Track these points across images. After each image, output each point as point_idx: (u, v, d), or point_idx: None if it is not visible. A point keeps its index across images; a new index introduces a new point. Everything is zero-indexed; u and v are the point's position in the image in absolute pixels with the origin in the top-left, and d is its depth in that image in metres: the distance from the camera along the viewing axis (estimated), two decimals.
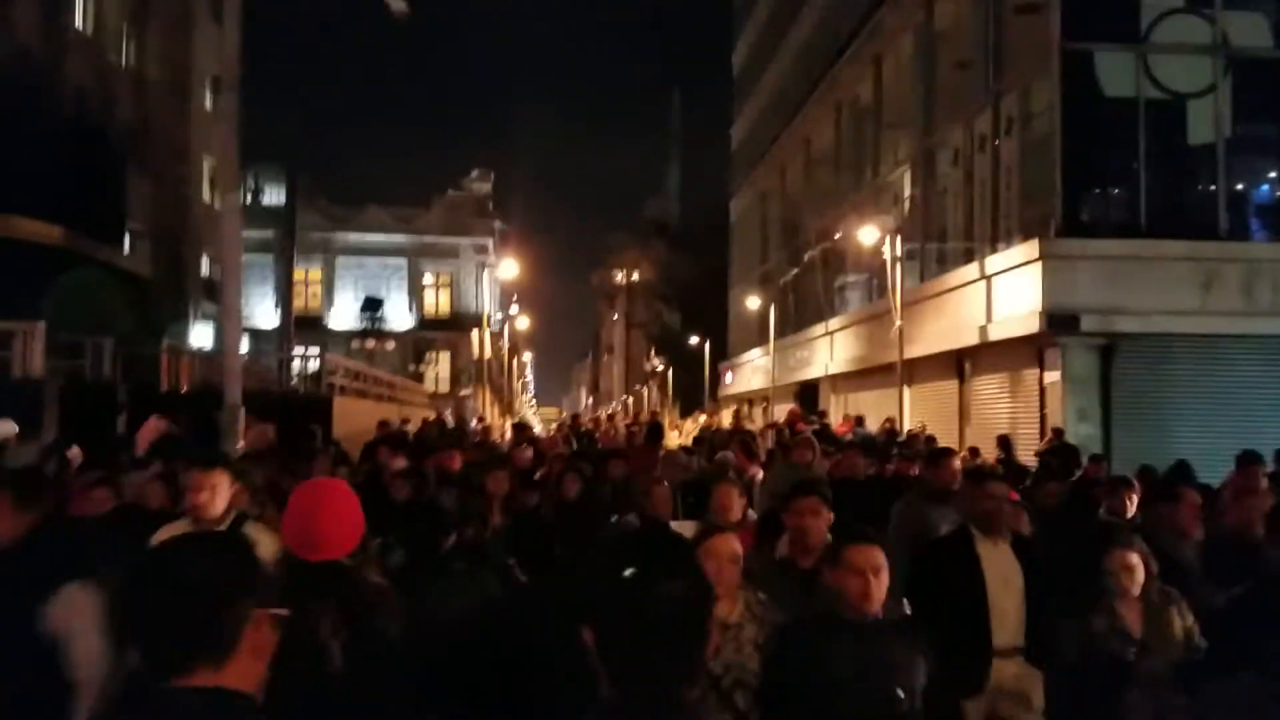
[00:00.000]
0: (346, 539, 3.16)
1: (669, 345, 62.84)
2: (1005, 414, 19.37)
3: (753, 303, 37.89)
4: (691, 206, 64.57)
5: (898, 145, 25.96)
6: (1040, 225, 17.61)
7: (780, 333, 33.40)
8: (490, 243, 51.96)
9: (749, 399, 42.00)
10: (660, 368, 64.24)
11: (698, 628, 1.73)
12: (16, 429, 9.69)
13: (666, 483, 6.42)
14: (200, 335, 32.49)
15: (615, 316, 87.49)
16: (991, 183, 19.93)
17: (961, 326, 19.88)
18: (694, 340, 50.22)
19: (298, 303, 48.32)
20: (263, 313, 45.67)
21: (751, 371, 41.29)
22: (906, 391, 23.66)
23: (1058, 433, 15.63)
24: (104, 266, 23.13)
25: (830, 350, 29.87)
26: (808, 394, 32.81)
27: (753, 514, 6.44)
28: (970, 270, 19.73)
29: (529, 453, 8.71)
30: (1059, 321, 16.61)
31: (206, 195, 34.26)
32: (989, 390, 20.19)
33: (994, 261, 18.76)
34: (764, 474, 10.01)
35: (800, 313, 33.89)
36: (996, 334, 18.43)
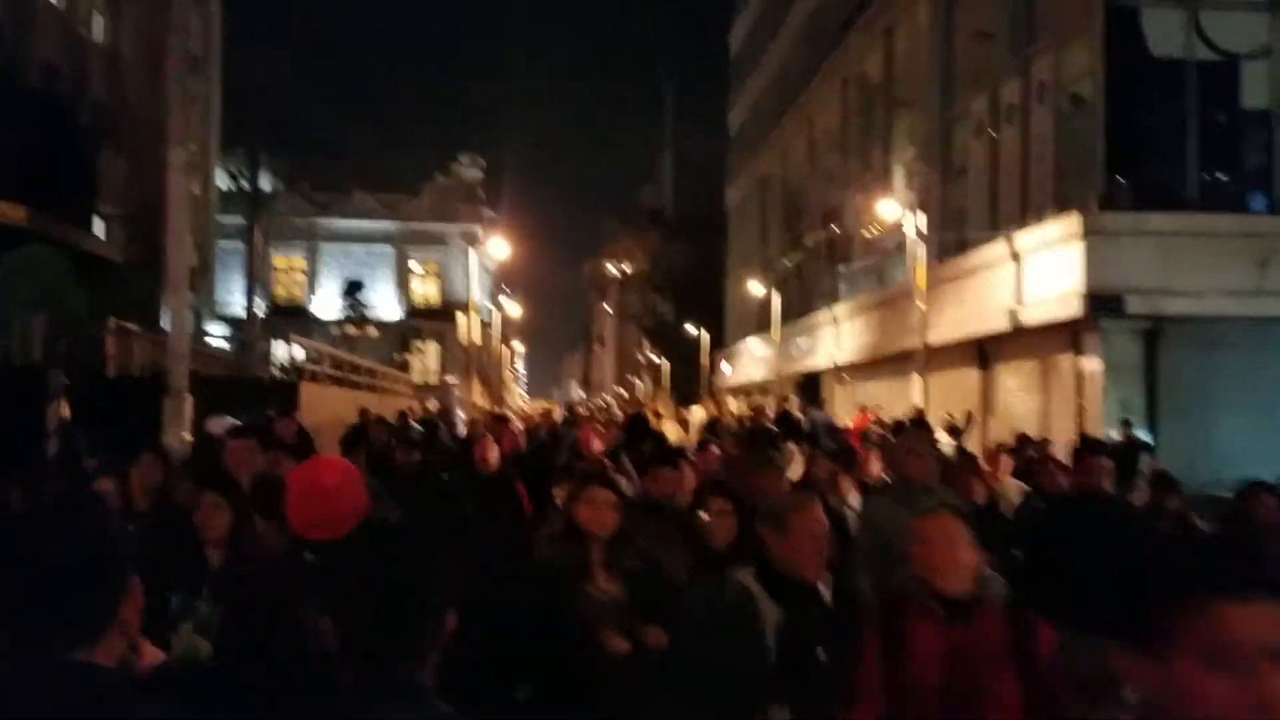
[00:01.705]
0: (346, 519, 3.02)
1: (663, 336, 61.41)
2: (1035, 406, 17.90)
3: (753, 291, 36.34)
4: (686, 194, 62.84)
5: (911, 121, 24.44)
6: (1079, 199, 16.11)
7: (782, 321, 31.90)
8: (479, 230, 50.32)
9: (747, 390, 40.54)
10: (654, 359, 62.74)
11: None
12: None
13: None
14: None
15: (607, 307, 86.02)
16: (1021, 155, 18.43)
17: (987, 310, 18.40)
18: (690, 330, 48.65)
19: (279, 291, 46.93)
20: (243, 300, 44.08)
21: (750, 362, 39.82)
22: (920, 382, 22.20)
23: (1126, 426, 14.13)
24: (70, 249, 21.83)
25: (836, 339, 28.36)
26: (810, 385, 31.34)
27: None
28: (997, 249, 18.23)
29: (494, 453, 6.94)
30: (1101, 303, 15.15)
31: (186, 179, 32.72)
32: (1016, 380, 18.72)
33: (1026, 239, 17.26)
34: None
35: (803, 300, 32.38)
36: (1029, 318, 16.95)
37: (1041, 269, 16.68)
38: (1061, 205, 16.72)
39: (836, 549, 4.23)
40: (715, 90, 51.02)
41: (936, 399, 20.80)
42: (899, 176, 24.10)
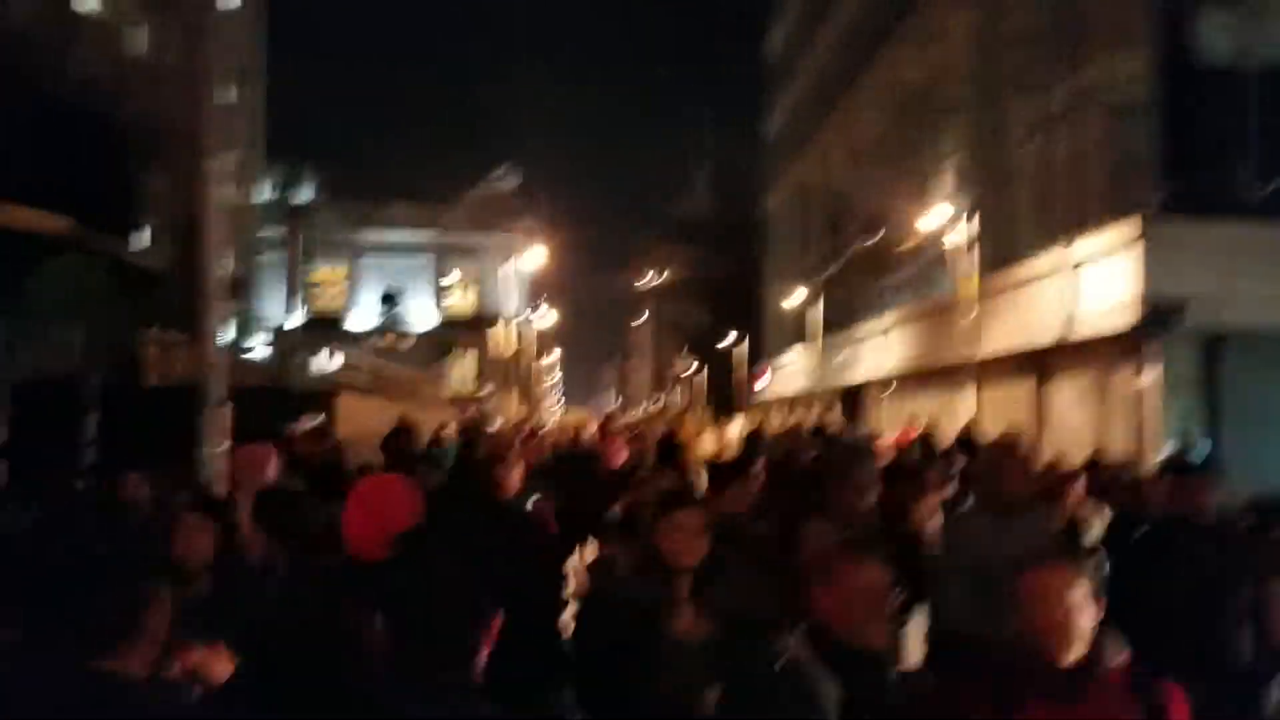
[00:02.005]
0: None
1: (699, 346, 61.01)
2: (1090, 421, 17.37)
3: (792, 301, 35.88)
4: (722, 204, 62.52)
5: (956, 128, 23.95)
6: (1135, 205, 15.60)
7: (823, 331, 31.44)
8: (516, 241, 50.23)
9: (786, 402, 40.06)
10: (690, 370, 62.35)
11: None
12: None
13: None
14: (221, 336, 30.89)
15: (642, 318, 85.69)
16: (1072, 162, 17.93)
17: (1040, 321, 17.91)
18: (729, 340, 48.19)
19: (318, 303, 47.07)
20: (286, 314, 44.26)
21: (789, 374, 39.35)
22: (972, 396, 21.69)
23: (1187, 441, 13.58)
24: (112, 260, 21.97)
25: (881, 350, 27.86)
26: (851, 398, 30.85)
27: None
28: (1052, 258, 17.75)
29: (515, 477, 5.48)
30: (1161, 313, 14.62)
31: (230, 191, 32.98)
32: (1072, 394, 18.18)
33: (1083, 247, 16.77)
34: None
35: (845, 310, 31.88)
36: (1084, 329, 16.45)
37: (1097, 278, 16.19)
38: (1116, 213, 16.22)
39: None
40: (751, 99, 50.78)
41: (988, 413, 20.31)
42: (944, 184, 23.62)
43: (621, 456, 9.19)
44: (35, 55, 21.75)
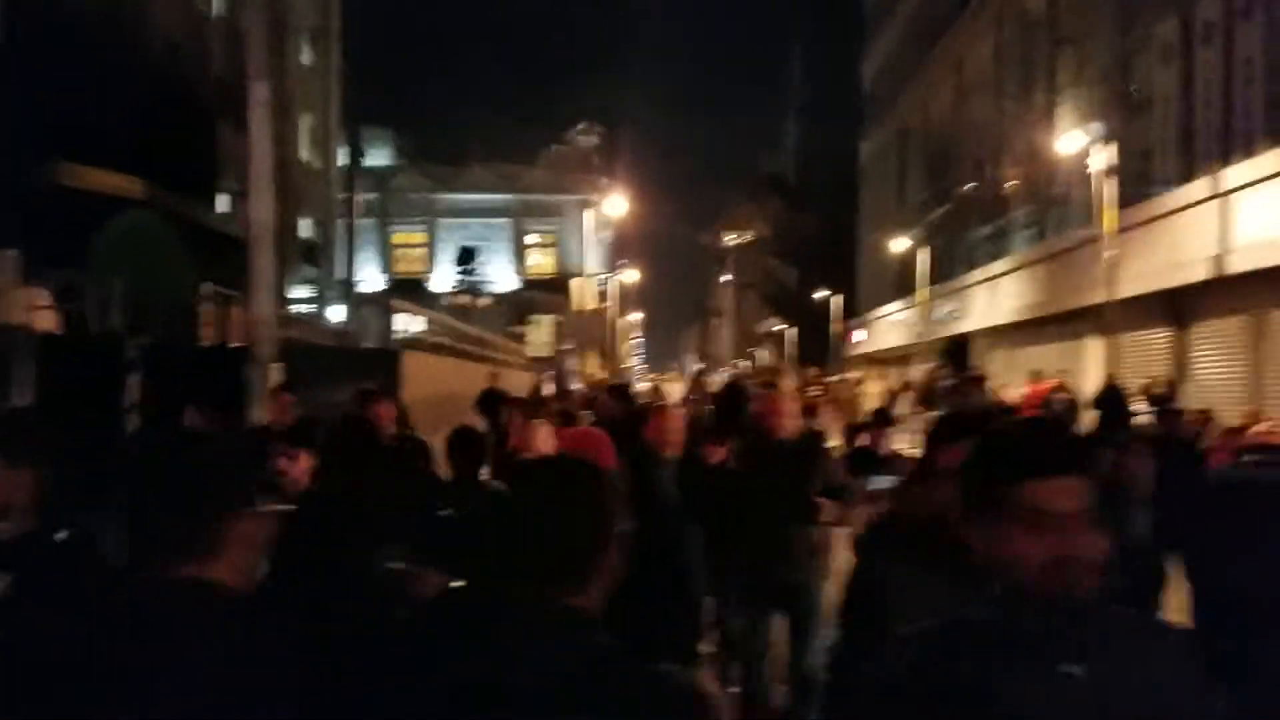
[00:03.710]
0: None
1: (786, 305, 59.25)
2: (1241, 371, 15.46)
3: (891, 251, 33.90)
4: (811, 159, 60.35)
5: (1080, 55, 21.82)
6: None
7: (925, 282, 29.51)
8: (596, 199, 49.01)
9: (883, 359, 38.25)
10: (777, 329, 60.65)
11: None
12: None
13: None
14: (303, 302, 30.25)
15: (726, 277, 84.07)
16: (1223, 81, 15.86)
17: (1182, 258, 15.99)
18: (822, 294, 46.31)
19: (399, 266, 46.52)
20: (368, 278, 43.81)
21: (887, 328, 37.47)
22: (1100, 343, 19.76)
23: None
24: (187, 223, 21.44)
25: (992, 298, 25.91)
26: (957, 351, 28.95)
27: None
28: (1196, 189, 15.78)
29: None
30: None
31: (305, 154, 32.46)
32: (1217, 340, 16.25)
33: (1234, 174, 14.79)
34: None
35: (949, 258, 29.90)
36: (1237, 264, 14.51)
37: (1253, 208, 14.23)
38: (1277, 134, 14.22)
39: None
40: (843, 47, 48.51)
41: (1116, 363, 18.41)
42: (1068, 117, 21.54)
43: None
44: (118, 18, 21.23)
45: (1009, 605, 1.60)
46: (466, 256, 42.75)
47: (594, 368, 38.78)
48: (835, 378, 21.22)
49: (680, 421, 5.14)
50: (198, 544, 1.71)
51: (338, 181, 35.38)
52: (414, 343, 16.94)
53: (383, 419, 5.44)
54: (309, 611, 2.05)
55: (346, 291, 27.98)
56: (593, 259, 45.94)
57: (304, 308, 28.43)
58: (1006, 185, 24.69)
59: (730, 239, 78.59)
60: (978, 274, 27.03)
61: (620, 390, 9.36)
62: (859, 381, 26.54)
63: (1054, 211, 21.97)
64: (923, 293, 29.67)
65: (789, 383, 15.69)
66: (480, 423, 8.65)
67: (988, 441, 1.73)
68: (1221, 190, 15.03)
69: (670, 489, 4.58)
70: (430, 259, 47.01)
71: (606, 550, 1.76)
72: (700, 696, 1.70)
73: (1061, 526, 1.55)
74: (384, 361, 11.97)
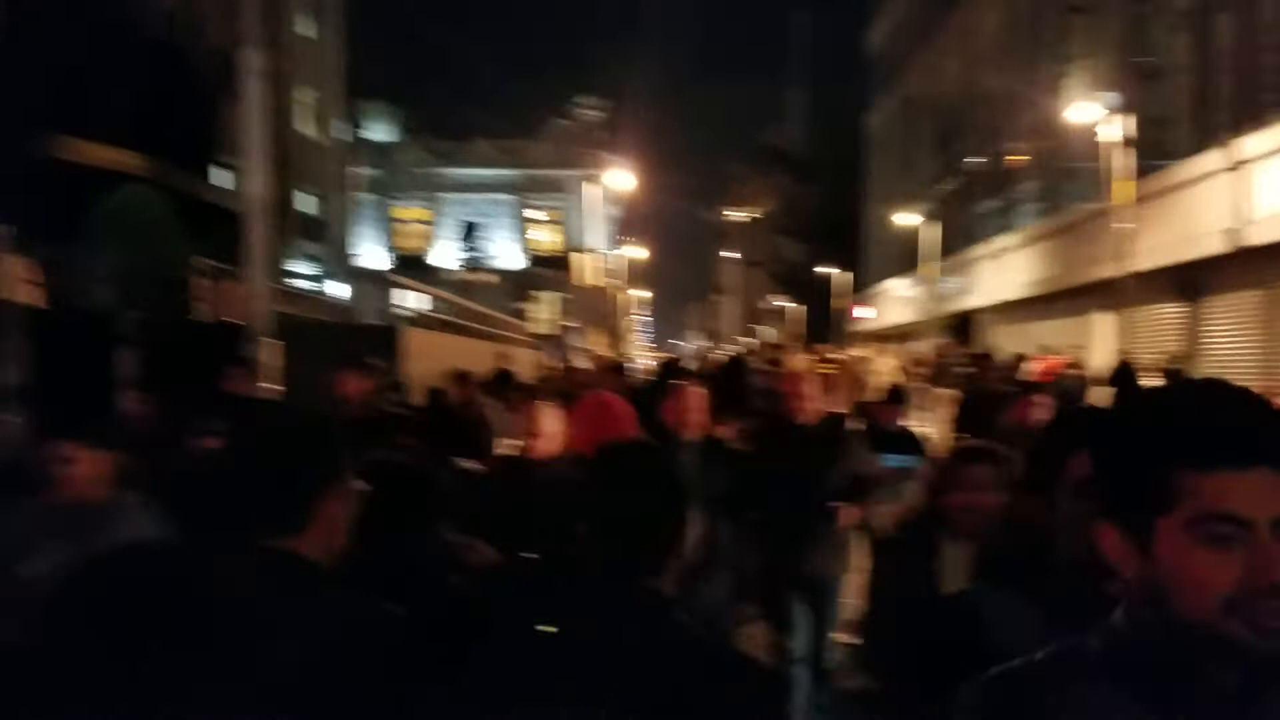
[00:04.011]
0: None
1: (791, 282, 58.83)
2: (1257, 347, 15.17)
3: (898, 225, 33.49)
4: (817, 131, 59.74)
5: (1093, 23, 21.40)
6: None
7: (932, 257, 29.15)
8: (601, 175, 48.53)
9: (888, 335, 37.94)
10: (782, 306, 60.26)
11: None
12: None
13: None
14: (302, 279, 29.92)
15: (731, 254, 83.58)
16: (1240, 48, 15.48)
17: (1197, 231, 15.67)
18: (822, 273, 45.93)
19: (402, 242, 46.16)
20: (369, 253, 43.49)
21: (893, 304, 37.15)
22: (1110, 319, 19.46)
23: None
24: (184, 197, 21.16)
25: (998, 273, 25.58)
26: (962, 328, 28.65)
27: None
28: (1211, 159, 15.44)
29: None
30: None
31: (305, 127, 32.08)
32: (1232, 315, 15.95)
33: (1251, 144, 14.44)
34: None
35: (956, 232, 29.54)
36: (1256, 236, 14.19)
37: (1273, 178, 13.89)
38: None
39: None
40: (850, 16, 48.01)
41: (1127, 338, 18.13)
42: (1079, 86, 21.15)
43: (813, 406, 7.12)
44: None
45: (1170, 648, 1.15)
46: (471, 232, 42.35)
47: (599, 345, 38.55)
48: (846, 354, 20.93)
49: (700, 400, 4.76)
50: (292, 519, 1.75)
51: (338, 156, 35.03)
52: (415, 319, 16.72)
53: (351, 393, 5.23)
54: (388, 584, 2.10)
55: (346, 267, 27.71)
56: (597, 235, 45.58)
57: (305, 284, 28.18)
58: (1016, 157, 24.33)
59: (736, 215, 78.04)
60: (986, 248, 26.70)
61: (618, 368, 8.99)
62: (867, 358, 26.32)
63: (1065, 184, 21.62)
64: (930, 267, 29.33)
65: (803, 359, 15.42)
66: (491, 405, 8.32)
67: (1147, 413, 1.19)
68: (1238, 161, 14.69)
69: (689, 474, 4.27)
70: (433, 235, 46.67)
71: (682, 532, 1.84)
72: (766, 671, 1.77)
73: (1264, 541, 1.08)
74: (383, 338, 11.74)
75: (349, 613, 1.72)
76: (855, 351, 28.95)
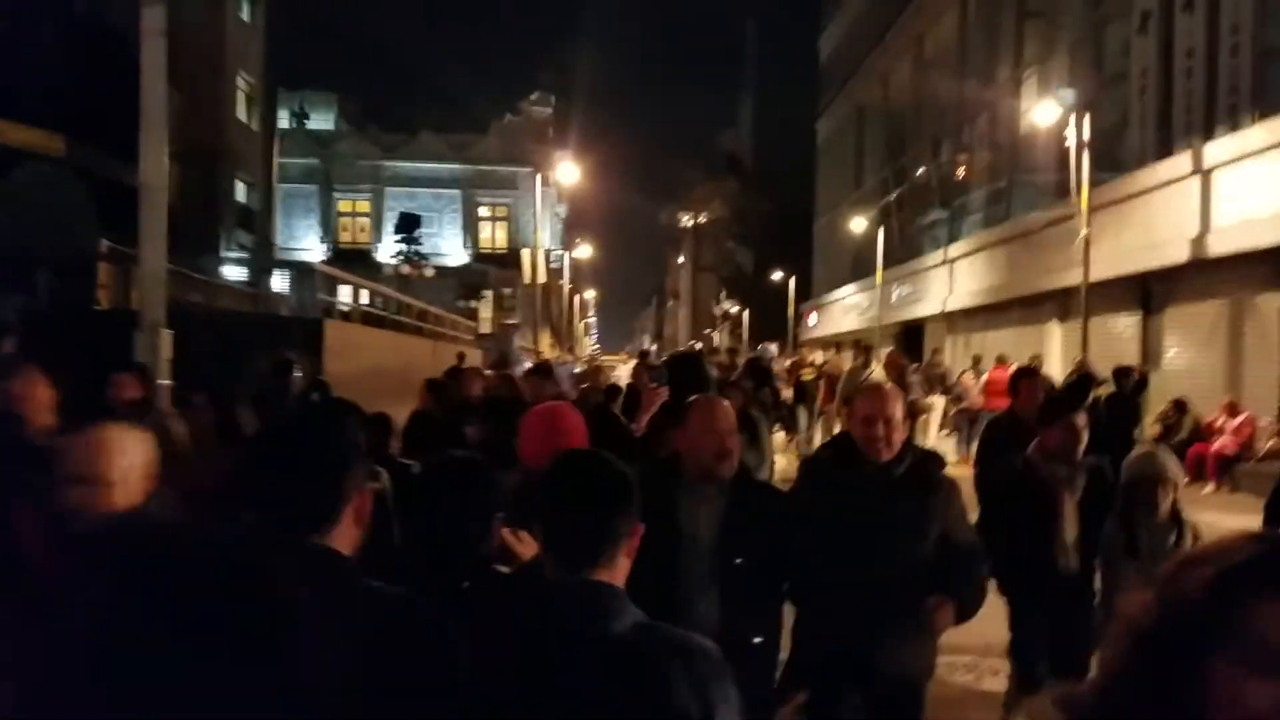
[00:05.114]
0: None
1: (741, 287, 58.50)
2: (1217, 359, 14.76)
3: (848, 232, 33.06)
4: (768, 138, 59.42)
5: (1049, 28, 21.02)
6: None
7: (883, 264, 28.69)
8: (551, 173, 47.69)
9: (835, 343, 37.52)
10: (731, 311, 59.87)
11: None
12: None
13: None
14: (235, 270, 28.64)
15: (682, 258, 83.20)
16: (1206, 51, 15.08)
17: (1157, 240, 15.23)
18: (777, 276, 45.47)
19: (345, 236, 44.92)
20: (309, 246, 42.29)
21: (842, 311, 36.74)
22: (1058, 330, 19.10)
23: None
24: (110, 182, 20.12)
25: (950, 282, 25.15)
26: (912, 335, 28.24)
27: None
28: (1175, 165, 15.02)
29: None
30: None
31: (243, 114, 30.86)
32: (1190, 326, 15.56)
33: (1216, 150, 14.03)
34: None
35: (907, 240, 29.13)
36: (1219, 246, 13.76)
37: (1239, 185, 13.49)
38: (1265, 107, 13.48)
39: None
40: (802, 25, 47.53)
41: (1080, 349, 17.70)
42: (1033, 92, 20.74)
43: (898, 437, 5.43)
44: None
45: None
46: (408, 224, 41.01)
47: (545, 346, 37.65)
48: (822, 357, 20.37)
49: (727, 420, 3.25)
50: (329, 515, 1.77)
51: (278, 145, 33.82)
52: (347, 313, 15.81)
53: (27, 403, 3.83)
54: (451, 574, 2.38)
55: (271, 258, 26.57)
56: (547, 233, 44.70)
57: (240, 276, 27.03)
58: (968, 165, 23.92)
59: (687, 220, 77.75)
60: (936, 256, 26.28)
61: (543, 370, 8.00)
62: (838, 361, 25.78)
63: (1017, 191, 21.22)
64: (879, 275, 28.89)
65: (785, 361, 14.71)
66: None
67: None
68: (1203, 167, 14.26)
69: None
70: (376, 228, 45.49)
71: (632, 535, 1.89)
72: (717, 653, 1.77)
73: None
74: (304, 331, 10.82)
75: (388, 609, 1.75)
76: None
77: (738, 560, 3.04)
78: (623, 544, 1.85)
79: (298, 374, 8.53)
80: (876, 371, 12.79)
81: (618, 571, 1.85)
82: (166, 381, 8.08)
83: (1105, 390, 10.74)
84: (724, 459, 3.12)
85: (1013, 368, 15.88)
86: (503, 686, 1.77)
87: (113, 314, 10.17)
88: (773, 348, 14.26)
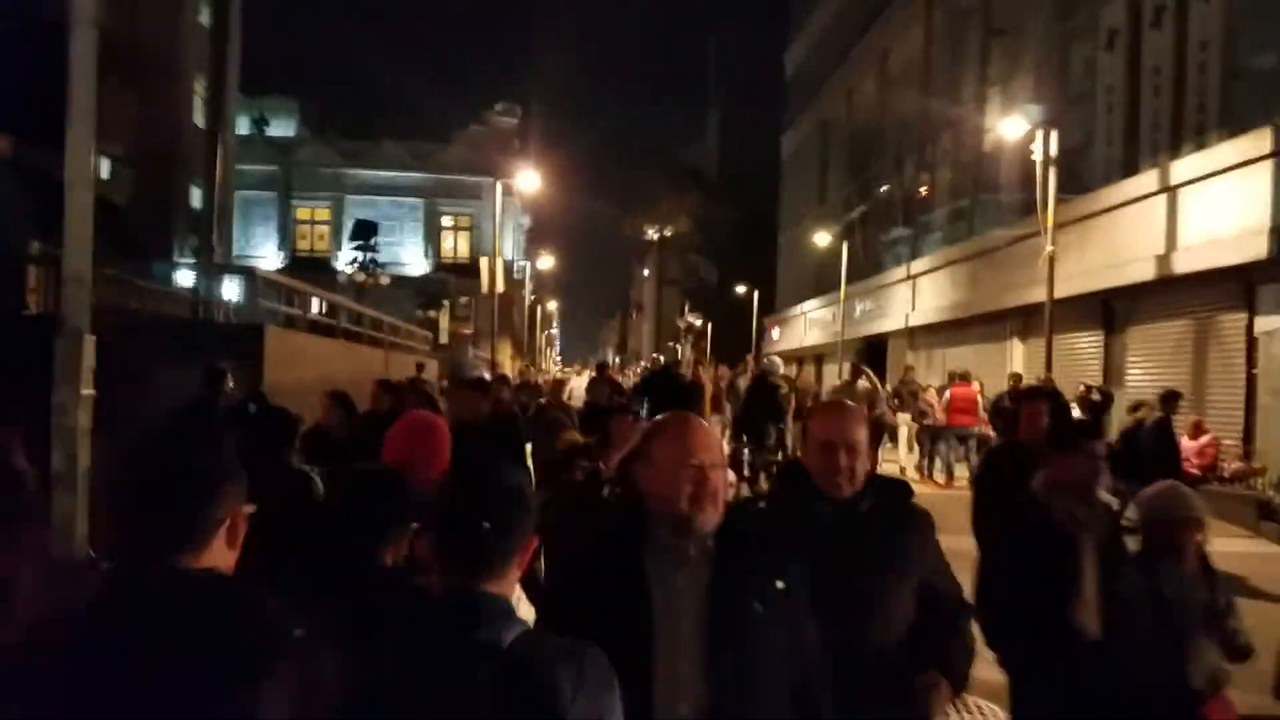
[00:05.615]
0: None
1: (705, 301, 58.31)
2: (1181, 377, 14.58)
3: (811, 248, 32.87)
4: (732, 152, 59.35)
5: (1016, 44, 20.92)
6: (1257, 117, 12.71)
7: (846, 280, 28.51)
8: (515, 183, 47.19)
9: (798, 357, 37.34)
10: (695, 324, 59.64)
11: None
12: None
13: None
14: (188, 275, 27.93)
15: (646, 271, 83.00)
16: (1174, 68, 14.97)
17: (1122, 257, 15.08)
18: (741, 290, 45.28)
19: (303, 244, 44.16)
20: (266, 254, 41.51)
21: (805, 326, 36.54)
22: (1019, 347, 18.94)
23: None
24: (52, 183, 19.38)
25: (912, 297, 24.98)
26: (875, 351, 28.06)
27: None
28: (1142, 182, 14.88)
29: None
30: None
31: (200, 119, 30.16)
32: (1155, 345, 15.39)
33: (1183, 168, 13.88)
34: None
35: (870, 256, 28.97)
36: (1185, 264, 13.60)
37: (1206, 203, 13.33)
38: (1235, 126, 13.35)
39: None
40: (768, 40, 47.47)
41: (1041, 367, 17.50)
42: (999, 109, 20.61)
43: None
44: None
45: None
46: (363, 231, 40.24)
47: (505, 357, 37.10)
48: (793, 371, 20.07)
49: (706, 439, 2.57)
50: (196, 537, 1.73)
51: (235, 151, 33.12)
52: (292, 321, 15.29)
53: None
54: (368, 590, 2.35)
55: (219, 265, 25.84)
56: (509, 243, 44.20)
57: (188, 282, 26.34)
58: (931, 182, 23.78)
59: (651, 233, 77.62)
60: (899, 272, 26.12)
61: (477, 383, 7.16)
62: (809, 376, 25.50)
63: (980, 209, 21.09)
64: (842, 290, 28.72)
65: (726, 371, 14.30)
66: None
67: None
68: (1169, 185, 14.12)
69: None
70: (335, 236, 44.78)
71: (525, 548, 1.87)
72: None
73: None
74: (244, 339, 10.30)
75: (266, 628, 1.69)
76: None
77: (730, 651, 2.16)
78: (514, 557, 1.84)
79: (229, 384, 8.07)
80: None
81: (508, 584, 1.83)
82: (89, 391, 7.61)
83: (1148, 414, 10.21)
84: (703, 503, 2.20)
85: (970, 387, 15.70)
86: (393, 699, 1.72)
87: (39, 320, 9.62)
88: (778, 360, 13.67)
